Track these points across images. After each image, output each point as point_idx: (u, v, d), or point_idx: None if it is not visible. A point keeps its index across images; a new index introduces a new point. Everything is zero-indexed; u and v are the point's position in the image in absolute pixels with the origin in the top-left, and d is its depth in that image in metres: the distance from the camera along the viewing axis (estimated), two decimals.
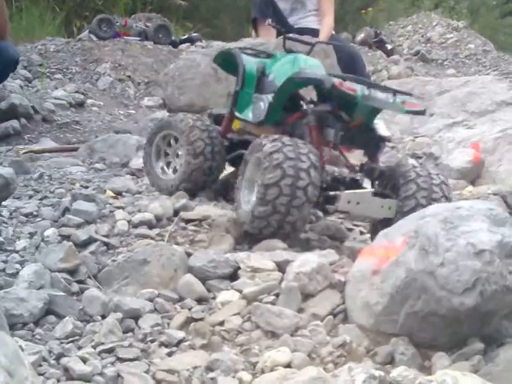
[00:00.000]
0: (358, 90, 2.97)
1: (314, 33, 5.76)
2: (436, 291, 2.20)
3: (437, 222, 2.30)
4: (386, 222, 2.88)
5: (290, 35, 3.70)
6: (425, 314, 2.23)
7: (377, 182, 3.11)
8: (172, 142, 3.53)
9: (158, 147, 3.56)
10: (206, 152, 3.37)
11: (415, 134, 5.53)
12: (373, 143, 3.16)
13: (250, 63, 3.44)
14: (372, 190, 3.03)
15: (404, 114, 3.43)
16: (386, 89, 3.09)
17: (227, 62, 3.64)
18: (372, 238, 3.08)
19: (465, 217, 2.28)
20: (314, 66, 3.35)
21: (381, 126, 5.61)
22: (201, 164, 3.37)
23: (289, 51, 3.47)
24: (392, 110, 3.31)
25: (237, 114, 3.43)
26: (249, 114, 3.39)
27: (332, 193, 2.97)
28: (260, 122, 3.32)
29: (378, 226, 3.04)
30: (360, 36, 9.08)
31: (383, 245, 2.46)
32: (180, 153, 3.48)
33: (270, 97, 3.30)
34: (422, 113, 3.23)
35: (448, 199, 2.99)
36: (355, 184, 3.06)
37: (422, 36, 10.24)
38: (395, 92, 3.05)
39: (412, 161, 4.98)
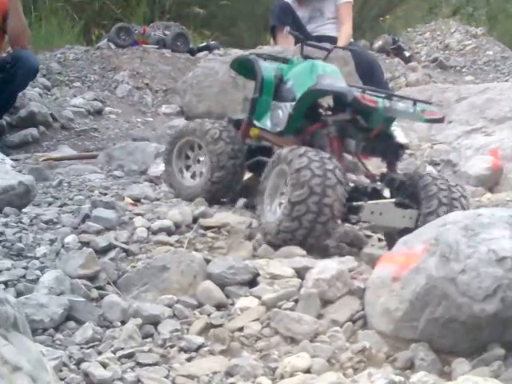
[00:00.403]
0: (380, 102, 2.99)
1: (332, 40, 5.75)
2: (457, 298, 2.20)
3: (458, 230, 2.30)
4: (402, 231, 2.90)
5: (308, 42, 3.70)
6: (445, 321, 2.23)
7: (397, 192, 3.11)
8: (195, 147, 3.51)
9: (179, 150, 3.54)
10: (228, 165, 3.37)
11: (433, 141, 5.51)
12: (391, 151, 3.17)
13: (268, 70, 3.44)
14: (394, 200, 3.03)
15: (424, 122, 3.48)
16: (405, 98, 3.11)
17: (244, 67, 3.65)
18: (388, 246, 3.09)
19: (486, 224, 2.28)
20: (333, 72, 3.34)
21: (399, 133, 5.62)
22: (223, 177, 3.38)
23: (306, 57, 3.47)
24: (413, 119, 3.34)
25: (255, 122, 3.43)
26: (267, 123, 3.40)
27: (355, 203, 2.98)
28: (280, 133, 3.32)
29: (394, 234, 3.04)
30: (378, 43, 9.04)
31: (403, 252, 2.46)
32: (201, 159, 3.48)
33: (288, 106, 3.29)
34: (440, 120, 3.27)
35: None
36: (376, 194, 3.07)
37: (440, 43, 10.20)
38: (415, 102, 3.07)
39: (430, 168, 4.97)
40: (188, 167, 3.56)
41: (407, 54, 9.03)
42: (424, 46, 10.13)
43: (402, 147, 3.24)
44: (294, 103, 3.28)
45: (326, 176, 2.84)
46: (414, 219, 3.00)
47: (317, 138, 3.21)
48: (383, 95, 3.07)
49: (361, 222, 3.17)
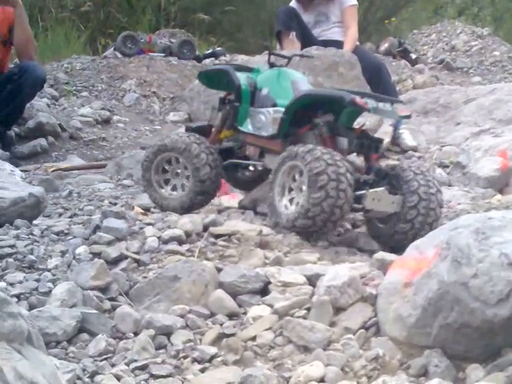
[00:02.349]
0: (369, 103, 3.30)
1: (339, 44, 5.76)
2: (469, 303, 2.18)
3: (469, 233, 2.28)
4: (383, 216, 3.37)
5: (271, 51, 3.92)
6: (458, 326, 2.21)
7: (383, 182, 3.39)
8: (173, 161, 3.66)
9: (157, 167, 3.68)
10: (212, 176, 3.56)
11: (442, 143, 5.50)
12: (374, 146, 3.44)
13: (243, 79, 3.66)
14: (385, 188, 3.35)
15: (398, 119, 3.94)
16: (382, 98, 3.43)
17: (212, 79, 3.91)
18: (368, 231, 3.49)
19: (497, 227, 2.27)
20: (302, 78, 3.72)
21: (407, 135, 5.63)
22: (207, 188, 3.56)
23: (272, 65, 3.75)
24: (392, 117, 3.74)
25: (239, 127, 3.65)
26: (248, 127, 3.63)
27: (358, 193, 3.24)
28: (272, 136, 3.51)
29: (374, 220, 3.43)
30: (384, 46, 9.04)
31: (414, 257, 2.45)
32: (179, 171, 3.64)
33: (271, 111, 3.53)
34: (409, 117, 3.71)
35: (441, 206, 3.40)
36: (368, 185, 3.33)
37: (447, 44, 10.19)
38: (392, 101, 3.43)
39: (440, 171, 4.96)
40: (166, 180, 3.69)
41: (413, 56, 9.03)
42: (430, 48, 10.12)
43: (381, 142, 3.50)
44: (279, 108, 3.51)
45: (339, 180, 3.11)
46: (400, 204, 3.34)
47: (307, 139, 3.40)
48: (364, 96, 3.36)
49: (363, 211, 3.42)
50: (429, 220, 3.32)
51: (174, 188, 3.66)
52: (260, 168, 3.67)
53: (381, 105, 3.34)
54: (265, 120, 3.55)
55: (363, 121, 3.59)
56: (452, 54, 9.84)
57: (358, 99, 3.26)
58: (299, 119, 3.45)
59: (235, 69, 3.79)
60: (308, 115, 3.43)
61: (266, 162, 3.58)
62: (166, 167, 3.68)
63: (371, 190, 3.28)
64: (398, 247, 3.15)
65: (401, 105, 3.51)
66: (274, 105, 3.56)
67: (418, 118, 6.15)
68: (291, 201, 3.26)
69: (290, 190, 3.29)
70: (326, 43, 5.69)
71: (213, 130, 3.76)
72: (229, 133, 3.71)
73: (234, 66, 3.88)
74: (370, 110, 3.32)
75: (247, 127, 3.62)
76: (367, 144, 3.40)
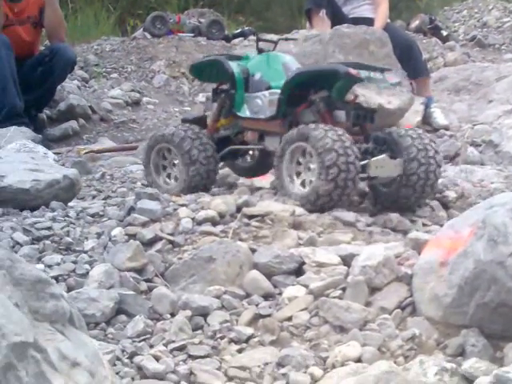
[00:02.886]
0: (361, 73, 3.39)
1: (369, 22, 5.71)
2: (506, 282, 2.17)
3: (505, 212, 2.27)
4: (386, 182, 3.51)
5: (258, 37, 4.03)
6: (495, 305, 2.21)
7: (382, 148, 3.50)
8: (168, 152, 3.74)
9: (155, 161, 3.79)
10: (201, 172, 3.62)
11: (474, 122, 5.46)
12: (368, 116, 3.54)
13: (235, 67, 3.75)
14: (387, 154, 3.46)
15: (389, 86, 3.95)
16: (373, 67, 3.55)
17: (203, 72, 4.01)
18: (373, 197, 3.63)
19: None
20: (292, 60, 3.79)
21: (438, 114, 5.59)
22: (196, 183, 3.62)
23: (260, 51, 3.85)
24: (383, 85, 3.76)
25: (237, 112, 3.72)
26: (246, 112, 3.70)
27: (362, 162, 3.33)
28: (271, 117, 3.58)
29: (378, 186, 3.57)
30: (414, 23, 8.95)
31: (450, 236, 2.44)
32: (176, 162, 3.72)
33: (267, 94, 3.62)
34: (399, 83, 3.93)
35: (439, 167, 3.51)
36: (369, 153, 3.44)
37: (478, 21, 10.05)
38: (382, 70, 3.56)
39: (472, 149, 4.92)
40: (165, 168, 3.79)
41: (444, 33, 8.93)
42: (461, 25, 10.00)
43: (375, 111, 3.61)
44: (274, 90, 3.59)
45: (347, 154, 3.21)
46: (402, 166, 3.46)
47: (305, 116, 3.49)
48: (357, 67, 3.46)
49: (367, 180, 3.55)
50: (429, 182, 3.47)
51: (170, 177, 3.76)
52: (259, 152, 3.78)
53: (372, 74, 3.45)
54: (261, 103, 3.64)
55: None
56: (484, 31, 9.71)
57: (351, 70, 3.35)
58: (295, 99, 3.54)
59: (225, 58, 3.89)
60: (303, 95, 3.52)
61: (266, 144, 3.65)
62: (166, 155, 3.77)
63: (373, 159, 3.40)
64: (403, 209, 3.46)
65: (391, 73, 3.67)
66: (269, 88, 3.65)
67: (450, 96, 6.10)
68: (303, 181, 3.34)
69: (298, 173, 3.36)
70: (357, 21, 5.64)
71: (209, 120, 3.85)
72: (225, 121, 3.80)
73: (224, 56, 3.98)
74: (364, 80, 3.42)
75: (245, 113, 3.70)
76: (363, 115, 3.51)
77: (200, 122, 3.85)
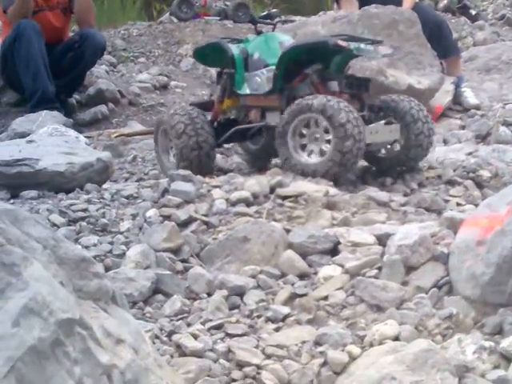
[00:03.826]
0: (351, 44, 3.51)
1: (398, 2, 5.67)
2: None
3: None
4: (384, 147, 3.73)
5: (256, 20, 4.24)
6: None
7: (377, 115, 3.68)
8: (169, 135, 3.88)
9: (161, 142, 3.96)
10: (187, 131, 3.74)
11: (505, 101, 5.41)
12: (363, 85, 3.70)
13: (235, 48, 3.90)
14: (383, 121, 3.63)
15: (381, 57, 4.17)
16: (365, 39, 3.71)
17: (205, 56, 4.15)
18: (372, 165, 3.82)
19: None
20: (288, 39, 3.96)
21: (469, 94, 5.54)
22: (186, 142, 3.73)
23: (259, 33, 4.02)
24: (374, 56, 3.98)
25: (238, 91, 3.88)
26: (246, 90, 3.86)
27: None
28: (269, 92, 3.74)
29: (377, 153, 3.76)
30: (443, 2, 8.87)
31: (486, 215, 2.42)
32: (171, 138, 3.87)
33: (265, 71, 3.78)
34: (391, 55, 4.09)
35: (431, 130, 3.73)
36: (365, 121, 3.51)
37: None
38: (372, 42, 3.71)
39: (503, 128, 4.88)
40: (170, 148, 3.92)
41: (473, 12, 8.84)
42: (490, 4, 9.87)
43: (369, 80, 3.76)
44: (271, 67, 3.74)
45: (358, 125, 3.35)
46: (398, 131, 3.66)
47: (301, 89, 3.64)
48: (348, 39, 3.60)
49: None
50: (431, 140, 3.73)
51: (173, 156, 3.89)
52: (265, 131, 3.86)
53: (362, 45, 3.57)
54: (260, 80, 3.80)
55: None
56: None
57: (340, 41, 3.48)
58: (292, 75, 3.67)
59: (227, 41, 4.04)
60: (299, 70, 3.65)
61: (267, 120, 3.77)
62: (170, 137, 3.88)
63: (369, 126, 3.53)
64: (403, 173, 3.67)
65: (382, 45, 3.76)
66: (266, 65, 3.81)
67: (480, 75, 6.05)
68: (310, 152, 3.46)
69: (304, 146, 3.48)
70: (385, 1, 5.59)
71: (215, 102, 3.98)
72: (230, 102, 3.93)
73: (225, 39, 4.14)
74: (353, 51, 3.52)
75: (245, 90, 3.86)
76: (356, 84, 3.66)
77: (206, 106, 4.02)
